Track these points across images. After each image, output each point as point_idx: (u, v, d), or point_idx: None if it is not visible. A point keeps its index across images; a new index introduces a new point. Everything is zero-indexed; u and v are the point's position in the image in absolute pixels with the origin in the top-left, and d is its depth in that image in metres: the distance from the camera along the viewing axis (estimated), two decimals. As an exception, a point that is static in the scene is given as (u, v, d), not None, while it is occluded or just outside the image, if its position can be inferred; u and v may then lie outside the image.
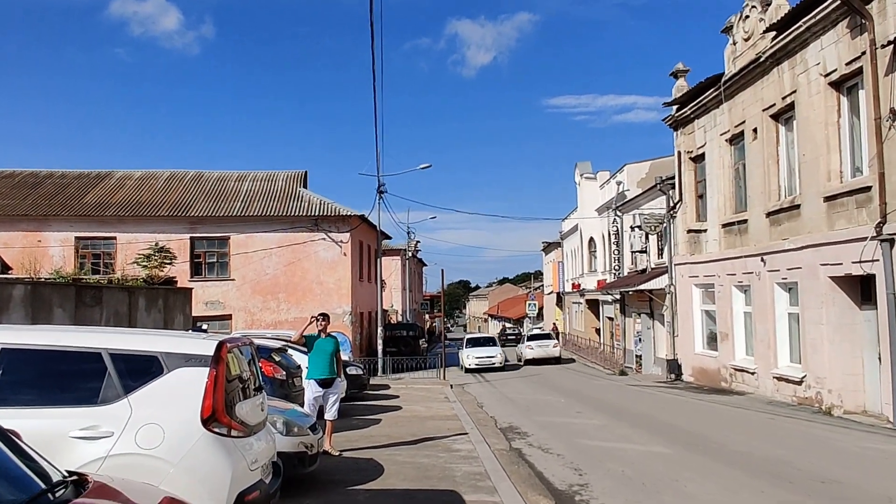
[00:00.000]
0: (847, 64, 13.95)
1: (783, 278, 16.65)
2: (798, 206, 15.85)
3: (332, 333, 10.77)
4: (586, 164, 40.25)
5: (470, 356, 31.44)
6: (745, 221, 18.50)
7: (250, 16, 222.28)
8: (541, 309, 66.57)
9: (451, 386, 22.79)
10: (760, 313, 17.71)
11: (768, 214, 17.21)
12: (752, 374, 18.14)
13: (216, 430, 5.07)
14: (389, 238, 42.06)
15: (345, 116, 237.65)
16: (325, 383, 10.31)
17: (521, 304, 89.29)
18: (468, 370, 30.71)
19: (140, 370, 5.15)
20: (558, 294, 53.45)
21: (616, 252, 31.20)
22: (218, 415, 5.09)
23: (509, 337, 61.15)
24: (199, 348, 5.27)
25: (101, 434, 4.88)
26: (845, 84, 14.49)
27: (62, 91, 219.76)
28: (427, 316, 77.72)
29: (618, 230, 31.27)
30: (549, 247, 60.47)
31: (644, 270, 26.90)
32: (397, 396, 19.40)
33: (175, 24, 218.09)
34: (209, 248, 29.57)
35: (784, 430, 12.59)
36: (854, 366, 14.42)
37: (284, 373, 11.95)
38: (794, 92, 15.93)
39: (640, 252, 26.92)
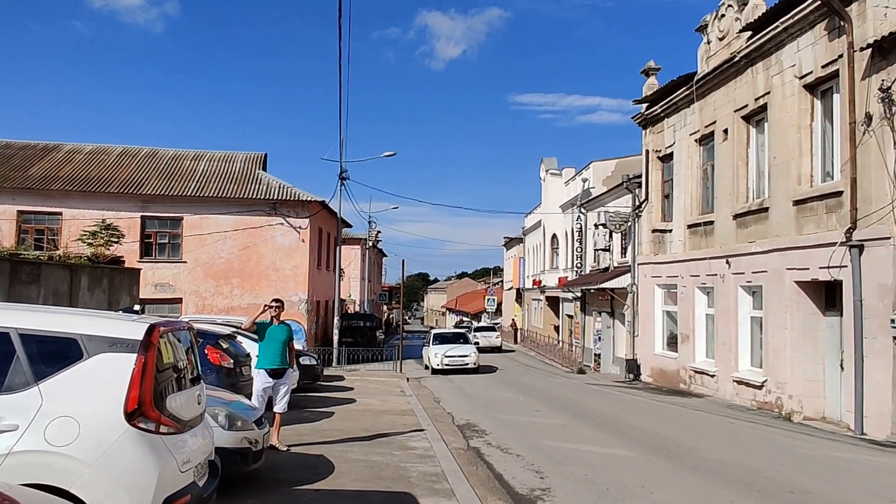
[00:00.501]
0: (823, 66, 13.76)
1: (748, 281, 16.49)
2: (766, 209, 15.67)
3: (286, 321, 10.10)
4: (552, 160, 40.02)
5: (438, 355, 26.07)
6: (711, 223, 18.32)
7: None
8: (500, 304, 66.46)
9: (408, 379, 22.24)
10: (723, 316, 17.56)
11: (735, 216, 17.03)
12: (712, 376, 18.00)
13: (142, 425, 4.41)
14: (350, 226, 41.33)
15: (309, 102, 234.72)
16: (276, 374, 9.67)
17: (480, 299, 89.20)
18: (435, 371, 25.80)
19: (55, 354, 4.46)
20: (518, 290, 53.29)
21: (579, 249, 31.00)
22: (145, 408, 4.44)
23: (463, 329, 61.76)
24: (127, 331, 4.60)
25: (2, 427, 4.19)
26: (820, 87, 14.32)
27: (15, 63, 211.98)
28: (385, 307, 77.02)
29: (581, 227, 31.06)
30: (510, 242, 60.31)
31: (607, 269, 26.71)
32: (352, 388, 18.78)
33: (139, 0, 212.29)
34: (161, 229, 28.40)
35: (747, 436, 12.36)
36: (815, 372, 14.31)
37: (232, 361, 11.24)
38: (768, 93, 15.73)
39: (604, 250, 26.71)
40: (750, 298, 16.84)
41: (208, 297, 28.20)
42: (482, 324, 51.89)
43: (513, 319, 53.22)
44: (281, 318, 9.97)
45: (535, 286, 42.65)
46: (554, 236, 38.97)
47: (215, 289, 28.24)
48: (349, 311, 44.96)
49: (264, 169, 32.26)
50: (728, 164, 17.55)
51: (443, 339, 28.44)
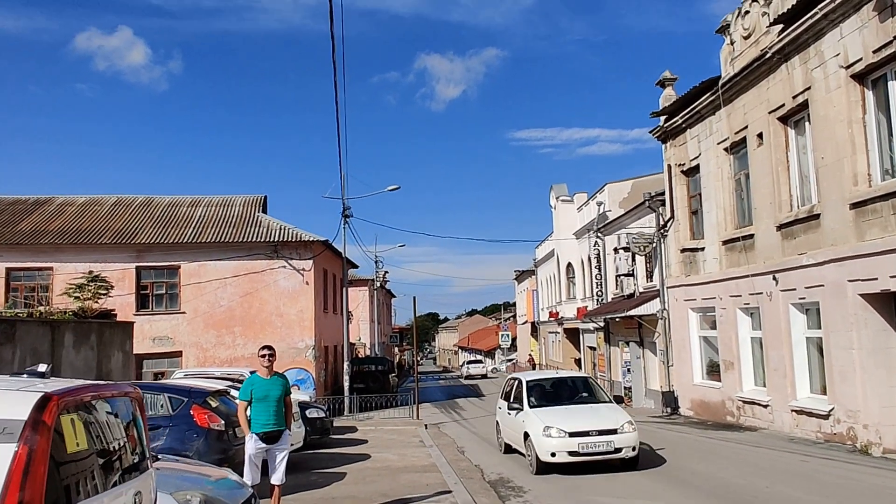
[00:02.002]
0: (875, 51, 12.27)
1: (800, 298, 14.77)
2: (817, 216, 14.04)
3: (281, 373, 8.46)
4: (562, 186, 38.56)
5: (553, 432, 11.60)
6: (750, 237, 16.67)
7: (217, 54, 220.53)
8: (514, 339, 64.49)
9: (426, 426, 20.42)
10: (773, 338, 15.80)
11: (780, 227, 15.39)
12: (765, 406, 16.15)
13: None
14: (356, 267, 39.84)
15: (309, 147, 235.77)
16: (271, 437, 8.01)
17: (493, 336, 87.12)
18: (550, 467, 11.59)
19: None
20: (533, 324, 51.39)
21: (598, 277, 29.29)
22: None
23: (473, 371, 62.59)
24: (5, 408, 2.98)
25: None
26: (870, 76, 12.80)
27: (20, 127, 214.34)
28: (397, 349, 75.06)
29: (599, 253, 29.40)
30: (521, 275, 58.60)
31: (631, 295, 24.98)
32: (365, 441, 16.99)
33: (143, 59, 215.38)
34: (157, 279, 26.94)
35: (829, 477, 10.54)
36: (892, 396, 12.50)
37: (223, 422, 9.57)
38: (808, 89, 14.23)
39: (627, 275, 25.02)
40: (803, 317, 15.10)
41: (209, 348, 26.57)
42: (470, 358, 69.39)
43: (530, 355, 51.23)
44: (274, 369, 8.33)
45: (552, 318, 40.83)
46: (569, 265, 37.30)
47: (216, 339, 26.62)
48: (359, 356, 43.16)
49: (265, 212, 30.92)
50: (765, 170, 15.98)
51: (546, 393, 13.40)
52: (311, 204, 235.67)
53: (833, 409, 13.62)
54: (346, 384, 27.30)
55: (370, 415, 24.30)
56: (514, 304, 76.53)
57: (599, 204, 29.71)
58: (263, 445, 7.98)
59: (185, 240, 26.90)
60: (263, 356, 8.22)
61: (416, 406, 23.06)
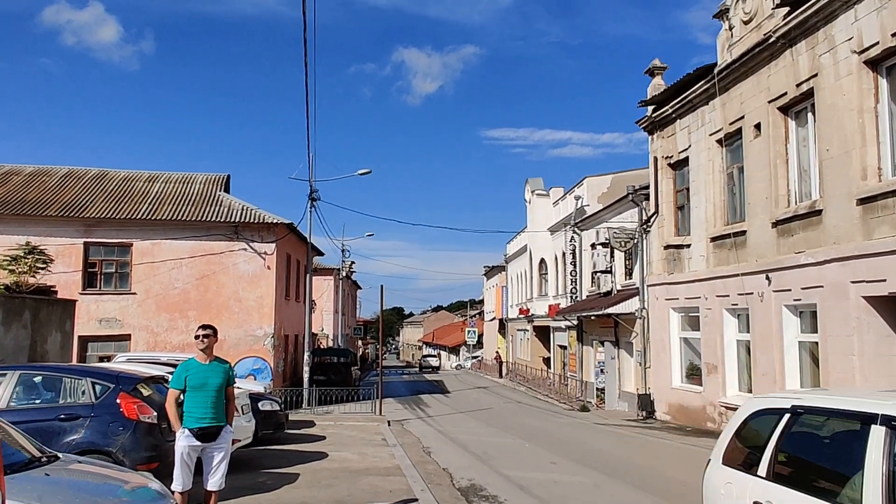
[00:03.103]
0: (893, 35, 11.34)
1: (795, 300, 13.85)
2: (819, 212, 13.11)
3: (223, 359, 7.14)
4: (538, 180, 37.54)
5: None
6: (742, 233, 15.74)
7: (189, 36, 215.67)
8: (481, 336, 63.53)
9: (389, 423, 19.16)
10: (763, 342, 14.87)
11: (776, 224, 14.46)
12: (751, 414, 15.21)
13: None
14: (322, 255, 38.34)
15: (279, 133, 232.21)
16: (207, 434, 6.69)
17: (458, 332, 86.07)
18: None
19: None
20: (501, 321, 50.42)
21: (573, 273, 28.30)
22: None
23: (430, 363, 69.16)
24: None
25: None
26: (886, 62, 11.88)
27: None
28: (360, 342, 73.54)
29: (575, 249, 28.41)
30: (491, 271, 57.61)
31: (609, 293, 24.01)
32: (323, 438, 15.68)
33: (114, 37, 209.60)
34: (107, 256, 25.13)
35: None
36: (894, 408, 11.59)
37: (156, 414, 8.19)
38: (815, 76, 13.29)
39: (604, 272, 24.04)
40: (796, 320, 14.20)
41: (161, 332, 24.90)
42: (425, 353, 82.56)
43: (497, 352, 50.23)
44: (214, 353, 7.01)
45: (522, 315, 39.83)
46: (542, 261, 36.31)
47: (169, 323, 24.95)
48: (321, 346, 41.70)
49: (227, 191, 29.28)
50: (762, 163, 15.03)
51: None
52: (277, 191, 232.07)
53: (828, 418, 12.70)
54: (306, 376, 25.90)
55: (330, 409, 22.95)
56: (481, 302, 75.59)
57: (577, 198, 28.72)
58: (198, 443, 6.67)
59: (139, 216, 25.15)
60: (200, 336, 6.90)
61: (379, 401, 21.78)
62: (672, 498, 9.28)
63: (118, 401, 8.17)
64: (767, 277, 14.57)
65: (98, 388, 8.28)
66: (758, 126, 15.23)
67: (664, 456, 13.28)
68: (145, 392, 8.49)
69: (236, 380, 18.26)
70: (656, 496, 9.40)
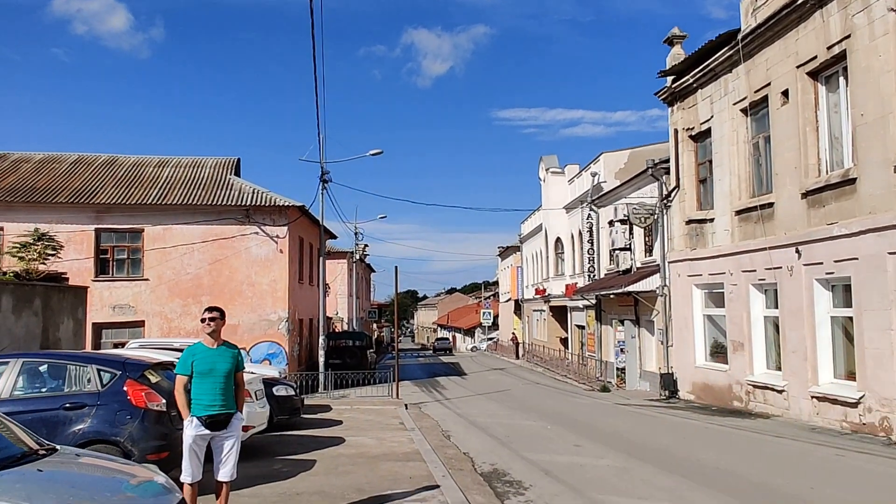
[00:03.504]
0: (935, -11, 10.67)
1: (828, 273, 13.29)
2: (853, 181, 12.51)
3: (232, 343, 6.74)
4: (552, 157, 36.87)
5: None
6: (769, 205, 15.14)
7: (200, 23, 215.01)
8: (496, 317, 63.17)
9: (406, 406, 18.84)
10: (792, 317, 14.34)
11: (806, 194, 13.86)
12: (780, 392, 14.74)
13: None
14: (335, 238, 38.00)
15: (290, 116, 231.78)
16: (216, 423, 6.31)
17: (473, 314, 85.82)
18: None
19: None
20: (516, 301, 49.99)
21: (591, 251, 27.76)
22: None
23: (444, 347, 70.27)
24: None
25: None
26: (926, 19, 11.22)
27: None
28: (375, 325, 73.46)
29: (592, 227, 27.84)
30: (505, 251, 57.11)
31: (628, 270, 23.47)
32: (340, 422, 15.36)
33: (124, 25, 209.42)
34: (118, 242, 24.92)
35: (881, 480, 9.10)
36: (935, 384, 11.09)
37: (164, 401, 7.83)
38: (848, 37, 12.62)
39: (623, 250, 23.49)
40: (829, 294, 13.64)
41: (174, 318, 24.70)
42: (440, 335, 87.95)
43: (513, 333, 49.86)
44: (223, 338, 6.62)
45: (539, 295, 39.35)
46: (558, 240, 35.75)
47: (182, 309, 24.74)
48: (336, 330, 41.49)
49: (238, 175, 28.93)
50: (790, 132, 14.40)
51: None
52: (289, 174, 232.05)
53: (863, 396, 12.21)
54: (322, 359, 25.65)
55: (346, 392, 22.69)
56: (495, 283, 75.17)
57: (594, 175, 28.09)
58: (207, 432, 6.28)
59: (150, 201, 24.88)
60: (207, 320, 6.49)
61: (395, 384, 21.47)
62: (707, 482, 8.84)
63: (125, 388, 7.81)
64: (797, 251, 14.00)
65: (104, 375, 7.93)
66: (785, 93, 14.58)
67: (692, 437, 12.82)
68: (153, 379, 8.13)
69: (250, 365, 17.95)
70: (689, 480, 8.96)
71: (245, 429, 10.44)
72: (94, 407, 7.69)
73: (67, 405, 7.68)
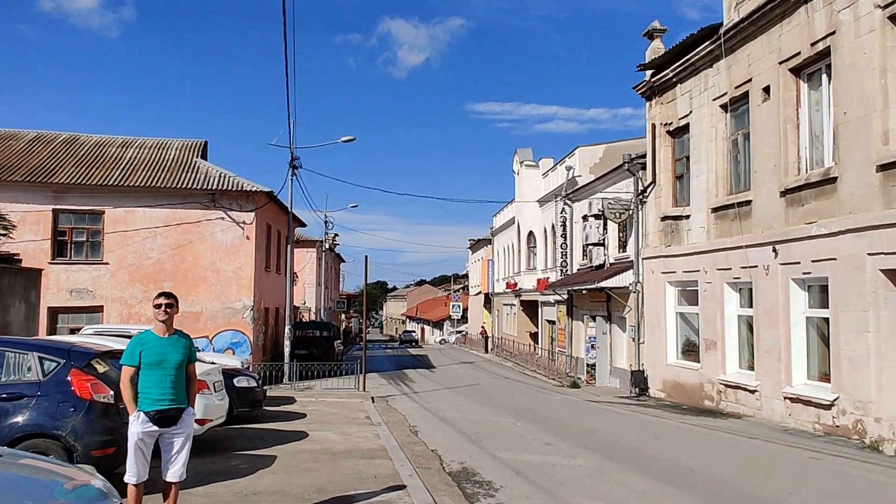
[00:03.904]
0: (924, -14, 10.48)
1: (805, 273, 13.12)
2: (833, 180, 12.32)
3: (183, 333, 6.21)
4: (527, 150, 36.57)
5: None
6: (747, 203, 14.95)
7: (171, 6, 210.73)
8: (465, 310, 62.89)
9: (373, 399, 18.39)
10: (767, 317, 14.17)
11: (785, 193, 13.67)
12: (753, 392, 14.59)
13: None
14: (304, 226, 37.36)
15: (262, 103, 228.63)
16: (165, 418, 5.79)
17: (442, 306, 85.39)
18: None
19: None
20: (486, 295, 49.72)
21: (563, 246, 27.50)
22: None
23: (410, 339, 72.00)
24: None
25: None
26: (913, 17, 11.03)
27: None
28: (343, 315, 72.70)
29: (565, 221, 27.59)
30: (476, 244, 56.80)
31: (601, 266, 23.25)
32: (304, 416, 14.85)
33: (92, 3, 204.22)
34: (77, 224, 23.97)
35: (858, 484, 8.90)
36: (910, 387, 10.96)
37: (112, 393, 7.26)
38: (832, 34, 12.41)
39: (597, 245, 23.26)
40: (804, 294, 13.48)
41: (135, 304, 23.86)
42: (406, 328, 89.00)
43: (482, 327, 49.61)
44: (174, 326, 6.09)
45: (509, 289, 39.10)
46: (531, 234, 35.49)
47: (143, 294, 23.86)
48: (303, 320, 40.79)
49: (204, 158, 28.08)
50: (770, 129, 14.20)
51: None
52: (258, 161, 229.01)
53: (837, 398, 12.06)
54: (287, 350, 25.05)
55: (311, 384, 22.14)
56: (465, 276, 74.83)
57: (569, 168, 27.82)
58: (155, 428, 5.77)
59: (112, 182, 23.96)
60: (160, 306, 5.96)
61: (362, 376, 20.98)
62: (682, 485, 8.54)
63: (69, 378, 7.24)
64: (774, 249, 13.82)
65: (46, 363, 7.34)
66: (766, 89, 14.37)
67: (665, 436, 12.58)
68: (101, 368, 7.56)
69: (211, 354, 17.31)
70: (664, 482, 8.66)
71: (202, 422, 9.93)
72: (33, 398, 7.10)
73: (4, 395, 7.09)
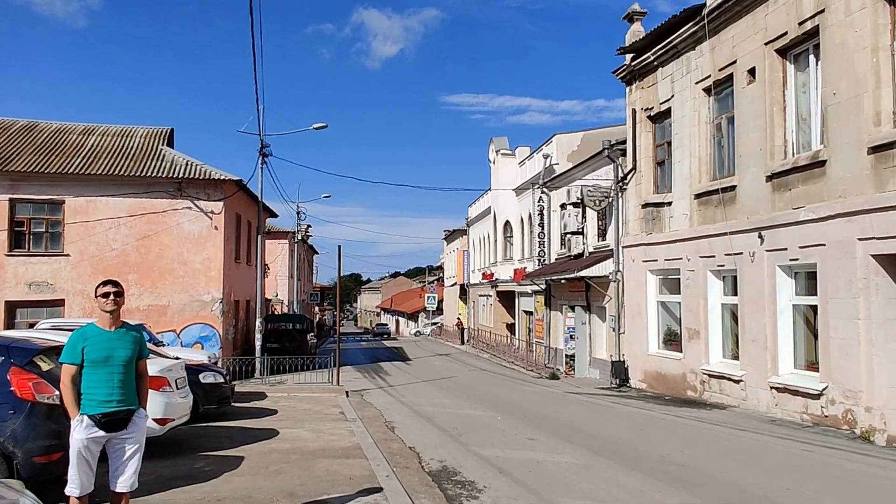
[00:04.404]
0: (918, -40, 10.10)
1: (792, 259, 12.77)
2: (822, 163, 11.96)
3: (134, 324, 5.57)
4: (503, 139, 36.05)
5: None
6: (731, 189, 14.58)
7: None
8: (441, 302, 62.41)
9: (347, 394, 17.78)
10: (752, 305, 13.82)
11: (771, 177, 13.31)
12: (737, 382, 14.25)
13: None
14: (275, 216, 36.35)
15: (230, 93, 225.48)
16: (113, 422, 5.15)
17: (417, 298, 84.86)
18: None
19: None
20: (462, 286, 49.24)
21: (541, 235, 27.06)
22: None
23: (383, 332, 71.61)
24: None
25: None
26: (905, -7, 10.66)
27: None
28: (317, 308, 71.77)
29: (543, 210, 27.14)
30: (452, 235, 56.26)
31: (580, 255, 22.84)
32: (275, 412, 14.20)
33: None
34: (36, 214, 22.92)
35: (857, 478, 8.53)
36: (902, 376, 10.65)
37: (58, 393, 6.56)
38: (822, 12, 12.02)
39: (576, 234, 22.83)
40: (791, 281, 13.15)
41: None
42: (380, 321, 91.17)
43: (458, 318, 49.13)
44: (121, 319, 5.43)
45: (486, 280, 38.63)
46: (507, 223, 35.02)
47: (106, 287, 22.91)
48: (275, 313, 39.96)
49: (171, 146, 27.10)
50: (756, 112, 13.81)
51: None
52: (228, 151, 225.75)
53: (826, 387, 11.74)
54: (259, 343, 24.32)
55: (283, 378, 21.45)
56: (440, 268, 74.26)
57: (546, 156, 27.35)
58: (101, 433, 5.12)
59: (72, 170, 22.93)
60: (106, 296, 5.29)
61: (336, 370, 20.34)
62: (674, 481, 8.09)
63: (9, 377, 6.54)
64: (760, 236, 13.46)
65: (-18, 361, 6.62)
66: (752, 71, 13.97)
67: (650, 429, 12.16)
68: (45, 366, 6.86)
69: (177, 349, 16.53)
70: (655, 479, 8.20)
71: (162, 422, 9.24)
72: (-32, 399, 6.39)
73: (-67, 398, 6.37)
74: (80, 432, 5.08)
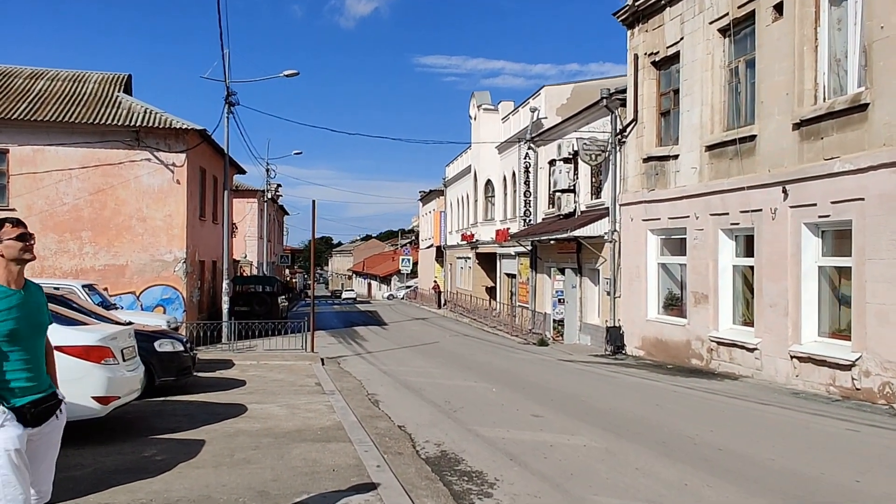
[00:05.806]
0: None
1: (821, 216, 11.52)
2: (864, 107, 10.64)
3: (34, 282, 4.00)
4: (485, 94, 34.32)
5: None
6: (750, 139, 13.23)
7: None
8: (415, 264, 60.99)
9: (323, 361, 16.35)
10: (772, 267, 12.60)
11: (799, 125, 11.97)
12: (752, 350, 13.10)
13: None
14: (243, 172, 34.34)
15: (195, 44, 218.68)
16: (40, 414, 3.61)
17: (390, 261, 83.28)
18: None
19: None
20: (439, 248, 47.78)
21: (528, 194, 25.62)
22: None
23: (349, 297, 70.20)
24: None
25: None
26: None
27: None
28: (287, 271, 69.88)
29: (529, 167, 25.66)
30: (428, 195, 54.60)
31: (571, 214, 21.47)
32: (243, 383, 12.72)
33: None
34: (-23, 165, 20.85)
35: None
36: (950, 345, 9.51)
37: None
38: (868, -66, 10.57)
39: (567, 191, 21.43)
40: (818, 241, 11.93)
41: (48, 256, 20.96)
42: (353, 284, 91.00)
43: (435, 281, 47.79)
44: (24, 275, 3.84)
45: (465, 241, 37.21)
46: (488, 182, 33.51)
47: (58, 245, 21.07)
48: (244, 274, 38.20)
49: (129, 93, 24.97)
50: (782, 52, 12.41)
51: None
52: (193, 103, 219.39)
53: (860, 357, 10.59)
54: (226, 307, 22.70)
55: (253, 344, 19.94)
56: (412, 231, 72.58)
57: (534, 110, 25.76)
58: (29, 430, 3.55)
59: (17, 116, 20.82)
60: (23, 237, 3.69)
61: (310, 335, 18.86)
62: (721, 472, 6.85)
63: None
64: (784, 190, 12.18)
65: None
66: (778, 7, 12.53)
67: (664, 403, 10.95)
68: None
69: (136, 313, 14.89)
70: (698, 469, 6.95)
71: (105, 401, 7.66)
72: None
73: None
74: (8, 430, 3.50)
